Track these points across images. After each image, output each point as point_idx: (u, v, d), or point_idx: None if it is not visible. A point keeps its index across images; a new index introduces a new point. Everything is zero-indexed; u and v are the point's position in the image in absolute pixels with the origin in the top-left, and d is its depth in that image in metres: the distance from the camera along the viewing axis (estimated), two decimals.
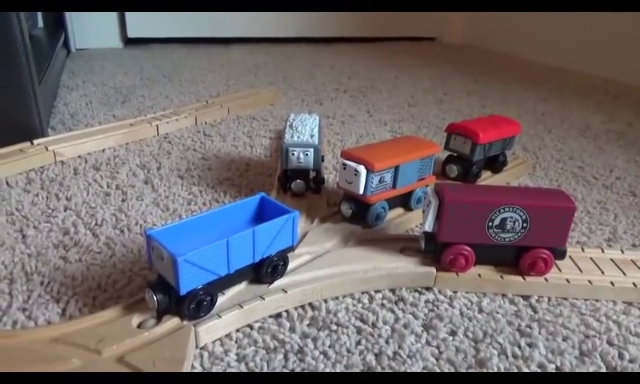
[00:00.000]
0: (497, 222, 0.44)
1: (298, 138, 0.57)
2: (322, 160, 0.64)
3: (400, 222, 0.55)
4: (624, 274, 0.47)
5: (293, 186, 0.58)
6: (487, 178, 0.68)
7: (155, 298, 0.36)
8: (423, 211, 0.46)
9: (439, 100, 1.17)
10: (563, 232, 0.44)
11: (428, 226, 0.45)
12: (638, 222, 0.61)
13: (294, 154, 0.57)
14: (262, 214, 0.45)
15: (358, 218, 0.52)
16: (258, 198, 0.45)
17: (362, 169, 0.49)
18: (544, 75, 1.55)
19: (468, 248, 0.45)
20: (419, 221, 0.57)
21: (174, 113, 0.88)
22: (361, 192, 0.50)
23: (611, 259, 0.49)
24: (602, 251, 0.50)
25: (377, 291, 0.45)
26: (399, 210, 0.57)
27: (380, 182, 0.51)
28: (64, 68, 1.26)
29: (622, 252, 0.50)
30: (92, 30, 1.57)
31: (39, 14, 1.37)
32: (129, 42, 1.64)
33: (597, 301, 0.45)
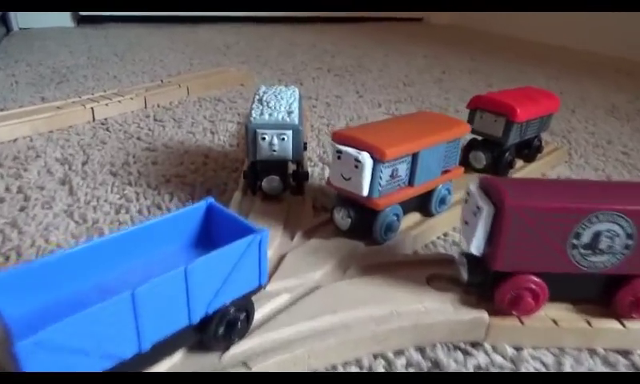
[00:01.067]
0: (586, 238, 0.28)
1: (270, 115, 0.40)
2: (305, 148, 0.47)
3: (418, 234, 0.38)
4: None
5: (264, 184, 0.41)
6: (520, 169, 0.52)
7: None
8: (465, 223, 0.30)
9: (438, 79, 1.01)
10: None
11: (476, 248, 0.29)
12: None
13: (264, 138, 0.40)
14: (211, 234, 0.28)
15: (359, 231, 0.36)
16: (202, 206, 0.28)
17: (365, 158, 0.33)
18: (545, 53, 1.41)
19: (538, 280, 0.29)
20: (445, 228, 0.41)
21: (118, 93, 0.70)
22: (364, 192, 0.33)
23: None
24: None
25: (397, 353, 0.29)
26: (415, 216, 0.40)
27: (392, 176, 0.35)
28: None
29: None
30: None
31: None
32: (82, 20, 1.44)
33: None
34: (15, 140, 0.56)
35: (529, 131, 0.50)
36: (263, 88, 0.48)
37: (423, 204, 0.40)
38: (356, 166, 0.33)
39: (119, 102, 0.67)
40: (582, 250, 0.28)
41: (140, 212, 0.42)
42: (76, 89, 0.78)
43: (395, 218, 0.36)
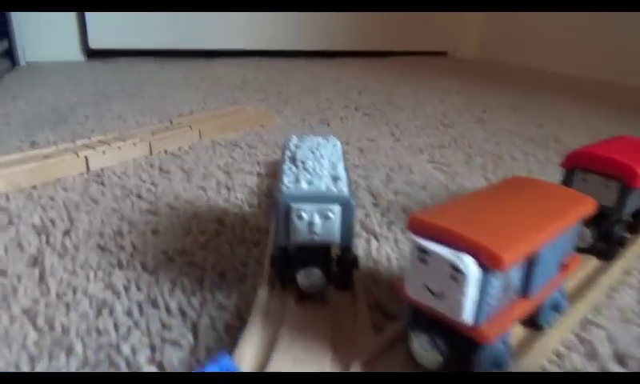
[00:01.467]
0: None
1: (310, 183, 0.29)
2: None
3: (530, 365, 0.26)
4: None
5: (301, 279, 0.30)
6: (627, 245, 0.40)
7: None
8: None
9: (479, 119, 0.90)
10: None
11: None
12: None
13: (301, 216, 0.28)
14: None
15: (453, 367, 0.24)
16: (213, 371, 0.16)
17: (470, 267, 0.21)
18: (590, 89, 1.30)
19: None
20: (555, 344, 0.29)
21: (119, 138, 0.60)
22: (467, 318, 0.22)
23: None
24: None
25: None
26: (516, 330, 0.28)
27: (504, 290, 0.23)
28: None
29: None
30: (47, 40, 1.30)
31: None
32: (92, 54, 1.37)
33: None
34: None
35: None
36: (295, 140, 0.37)
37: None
38: (453, 278, 0.21)
39: (119, 148, 0.57)
40: None
41: (129, 313, 0.31)
42: (74, 131, 0.68)
43: (505, 349, 0.24)
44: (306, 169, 0.31)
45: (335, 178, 0.30)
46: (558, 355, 0.28)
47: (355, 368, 0.24)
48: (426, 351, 0.23)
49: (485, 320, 0.22)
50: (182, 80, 1.10)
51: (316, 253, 0.30)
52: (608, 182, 0.35)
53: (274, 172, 0.56)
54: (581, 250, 0.37)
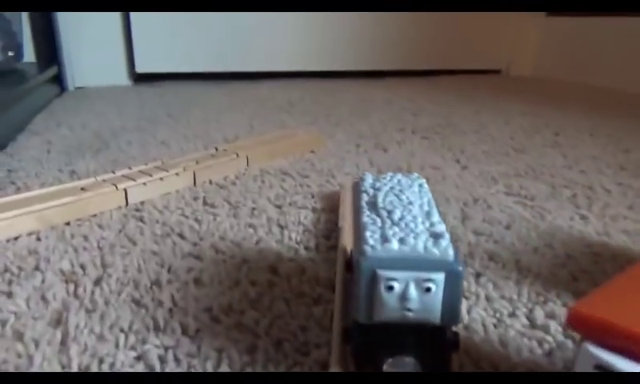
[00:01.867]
0: None
1: (402, 242, 0.22)
2: None
3: None
4: None
5: (388, 368, 0.22)
6: None
7: None
8: None
9: (554, 143, 0.80)
10: None
11: None
12: None
13: (392, 287, 0.21)
14: None
15: None
16: None
17: None
18: None
19: None
20: None
21: (161, 167, 0.55)
22: None
23: None
24: None
25: None
26: None
27: None
28: (45, 108, 0.98)
29: None
30: (95, 65, 1.30)
31: (28, 45, 1.11)
32: (138, 78, 1.37)
33: None
34: (17, 238, 0.41)
35: None
36: (370, 178, 0.30)
37: None
38: None
39: (161, 179, 0.52)
40: None
41: None
42: (115, 158, 0.64)
43: None
44: (392, 220, 0.24)
45: (436, 236, 0.22)
46: None
47: None
48: None
49: None
50: (227, 103, 1.06)
51: (409, 334, 0.22)
52: None
53: (331, 207, 0.49)
54: None
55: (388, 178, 0.30)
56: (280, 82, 1.42)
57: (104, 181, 0.51)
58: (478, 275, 0.37)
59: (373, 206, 0.26)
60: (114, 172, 0.53)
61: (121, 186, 0.49)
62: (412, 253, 0.21)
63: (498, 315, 0.32)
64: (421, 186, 0.29)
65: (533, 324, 0.31)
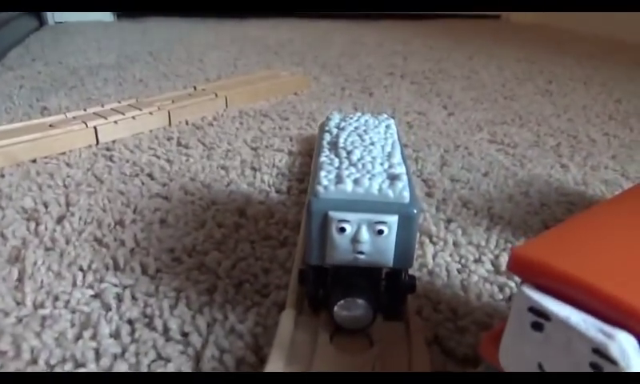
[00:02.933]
0: None
1: (357, 183, 0.21)
2: None
3: None
4: None
5: (339, 311, 0.22)
6: None
7: None
8: None
9: (545, 91, 0.78)
10: None
11: None
12: None
13: (344, 229, 0.20)
14: None
15: None
16: None
17: (626, 352, 0.12)
18: None
19: None
20: None
21: (135, 106, 0.53)
22: None
23: None
24: None
25: None
26: None
27: None
28: (21, 43, 0.94)
29: None
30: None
31: None
32: (122, 13, 1.31)
33: None
34: None
35: None
36: (336, 118, 0.29)
37: None
38: (594, 366, 0.13)
39: (133, 118, 0.50)
40: None
41: (116, 336, 0.24)
42: (89, 96, 0.62)
43: None
44: (352, 162, 0.23)
45: (392, 177, 0.21)
46: None
47: None
48: None
49: None
50: (212, 41, 1.02)
51: (362, 277, 0.22)
52: None
53: (308, 150, 0.48)
54: None
55: (354, 119, 0.28)
56: (271, 21, 1.36)
57: (74, 118, 0.49)
58: (448, 221, 0.36)
59: (333, 145, 0.25)
60: (85, 109, 0.51)
61: (91, 124, 0.47)
62: (365, 194, 0.20)
63: (463, 261, 0.31)
64: (388, 127, 0.28)
65: (497, 270, 0.31)
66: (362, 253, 0.21)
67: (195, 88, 0.62)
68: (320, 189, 0.21)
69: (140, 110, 0.52)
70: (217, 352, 0.23)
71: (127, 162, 0.44)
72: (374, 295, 0.22)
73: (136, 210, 0.36)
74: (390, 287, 0.23)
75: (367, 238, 0.20)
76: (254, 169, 0.44)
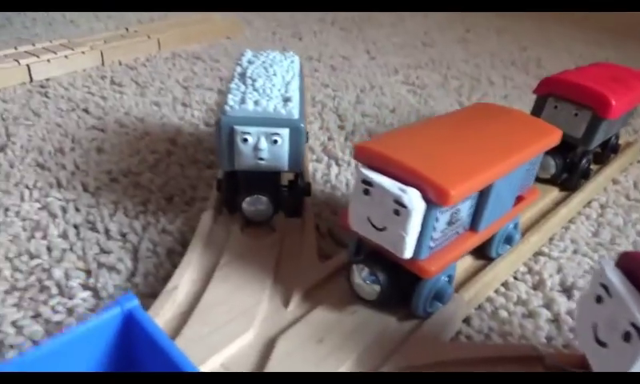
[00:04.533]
0: None
1: (257, 103, 0.26)
2: (307, 139, 0.34)
3: (473, 297, 0.26)
4: None
5: (246, 206, 0.28)
6: (591, 177, 0.39)
7: None
8: (599, 342, 0.17)
9: (462, 39, 0.85)
10: None
11: None
12: None
13: (246, 139, 0.26)
14: (132, 352, 0.15)
15: (393, 299, 0.23)
16: (116, 316, 0.15)
17: (414, 201, 0.19)
18: (580, 13, 1.24)
19: None
20: (505, 275, 0.28)
21: (66, 45, 0.55)
22: (408, 254, 0.20)
23: None
24: None
25: None
26: (467, 261, 0.27)
27: (449, 223, 0.22)
28: None
29: None
30: None
31: None
32: None
33: None
34: None
35: (614, 128, 0.37)
36: (249, 55, 0.34)
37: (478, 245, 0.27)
38: (396, 212, 0.20)
39: (66, 57, 0.52)
40: None
41: (64, 236, 0.29)
42: (19, 36, 0.62)
43: (447, 282, 0.23)
44: (255, 87, 0.28)
45: (286, 99, 0.27)
46: (506, 286, 0.28)
47: (296, 301, 0.23)
48: (365, 283, 0.22)
49: (427, 255, 0.21)
50: None
51: (263, 179, 0.28)
52: (579, 110, 0.34)
53: None
54: (543, 181, 0.36)
55: (264, 55, 0.34)
56: None
57: (5, 56, 0.50)
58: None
59: (242, 76, 0.30)
60: (15, 48, 0.53)
61: (23, 62, 0.49)
62: (263, 112, 0.26)
63: None
64: (292, 62, 0.33)
65: None
66: (262, 159, 0.26)
67: (127, 29, 0.63)
68: (227, 108, 0.26)
69: (72, 49, 0.54)
70: (151, 245, 0.29)
71: (62, 98, 0.47)
72: (274, 194, 0.28)
73: (74, 139, 0.39)
74: (290, 191, 0.29)
75: (266, 146, 0.26)
76: (184, 105, 0.48)
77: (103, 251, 0.28)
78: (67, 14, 0.74)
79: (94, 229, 0.30)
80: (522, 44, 0.86)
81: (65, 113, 0.44)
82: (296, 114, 0.26)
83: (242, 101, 0.27)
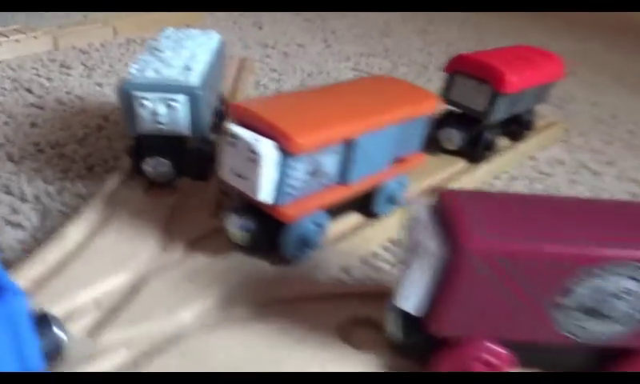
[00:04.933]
0: (583, 297, 0.17)
1: (156, 71, 0.28)
2: (221, 117, 0.36)
3: (352, 248, 0.28)
4: None
5: (147, 167, 0.30)
6: (503, 151, 0.41)
7: None
8: (402, 265, 0.19)
9: (422, 30, 0.88)
10: None
11: (409, 303, 0.18)
12: None
13: (144, 104, 0.28)
14: None
15: (264, 244, 0.25)
16: None
17: (264, 149, 0.21)
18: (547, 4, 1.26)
19: (499, 350, 0.19)
20: (391, 232, 0.30)
21: (20, 30, 0.56)
22: (264, 198, 0.22)
23: None
24: None
25: None
26: (352, 218, 0.29)
27: (313, 174, 0.24)
28: None
29: None
30: None
31: None
32: None
33: None
34: None
35: (521, 104, 0.39)
36: (169, 31, 0.36)
37: (363, 202, 0.29)
38: (252, 160, 0.22)
39: (17, 41, 0.54)
40: (576, 315, 0.18)
41: None
42: None
43: (316, 229, 0.25)
44: (160, 58, 0.30)
45: (187, 68, 0.29)
46: (392, 242, 0.30)
47: (179, 249, 0.25)
48: (238, 231, 0.24)
49: (288, 201, 0.23)
50: None
51: (166, 143, 0.30)
52: (480, 85, 0.36)
53: None
54: (451, 152, 0.38)
55: (184, 32, 0.35)
56: None
57: None
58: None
59: (153, 49, 0.32)
60: None
61: None
62: (161, 80, 0.28)
63: None
64: (210, 39, 0.35)
65: None
66: (161, 123, 0.28)
67: (85, 16, 0.65)
68: (128, 76, 0.28)
69: (24, 34, 0.55)
70: (63, 208, 0.31)
71: (8, 79, 0.48)
72: (177, 157, 0.30)
73: (10, 115, 0.41)
74: (198, 156, 0.31)
75: (164, 112, 0.28)
76: None
77: (14, 212, 0.30)
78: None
79: (8, 192, 0.32)
80: (481, 36, 0.88)
81: (7, 92, 0.45)
82: (195, 82, 0.28)
83: (143, 69, 0.28)
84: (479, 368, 0.19)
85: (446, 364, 0.19)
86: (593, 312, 0.18)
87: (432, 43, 0.79)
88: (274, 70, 0.59)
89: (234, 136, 0.22)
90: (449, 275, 0.17)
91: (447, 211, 0.18)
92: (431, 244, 0.17)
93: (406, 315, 0.19)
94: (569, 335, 0.18)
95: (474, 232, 0.17)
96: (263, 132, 0.22)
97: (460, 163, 0.38)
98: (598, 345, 0.19)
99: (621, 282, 0.17)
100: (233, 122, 0.23)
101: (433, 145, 0.39)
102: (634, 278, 0.17)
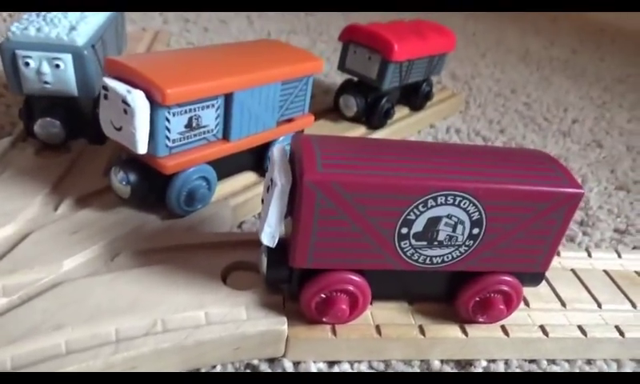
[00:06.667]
0: (418, 226, 0.20)
1: (39, 30, 0.28)
2: None
3: (241, 203, 0.29)
4: (633, 304, 0.26)
5: (37, 128, 0.30)
6: (403, 119, 0.44)
7: None
8: (262, 201, 0.21)
9: (346, 13, 0.90)
10: (551, 244, 0.21)
11: (267, 236, 0.20)
12: (615, 191, 0.41)
13: (28, 63, 0.28)
14: None
15: (147, 197, 0.26)
16: None
17: (136, 99, 0.22)
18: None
19: (356, 279, 0.21)
20: None
21: None
22: (140, 149, 0.23)
23: (605, 272, 0.28)
24: (589, 255, 0.29)
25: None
26: (247, 177, 0.31)
27: (190, 127, 0.25)
28: None
29: (619, 255, 0.29)
30: None
31: None
32: None
33: (591, 361, 0.24)
34: None
35: (413, 74, 0.42)
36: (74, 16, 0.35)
37: (254, 161, 0.31)
38: (125, 111, 0.22)
39: None
40: (415, 242, 0.20)
41: None
42: None
43: (202, 184, 0.26)
44: (45, 19, 0.30)
45: (72, 29, 0.29)
46: None
47: (66, 205, 0.26)
48: (121, 184, 0.25)
49: (166, 153, 0.24)
50: None
51: (56, 104, 0.30)
52: (371, 54, 0.38)
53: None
54: (351, 119, 0.40)
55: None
56: None
57: None
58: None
59: (44, 16, 0.31)
60: None
61: None
62: (45, 38, 0.28)
63: None
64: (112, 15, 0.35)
65: None
66: (47, 82, 0.28)
67: None
68: (9, 34, 0.28)
69: None
70: None
71: None
72: (68, 119, 0.30)
73: None
74: (91, 119, 0.31)
75: (48, 71, 0.28)
76: None
77: None
78: None
79: None
80: (400, 17, 0.91)
81: None
82: (80, 42, 0.28)
83: (26, 28, 0.28)
84: (339, 299, 0.21)
85: (308, 298, 0.21)
86: (427, 239, 0.20)
87: (353, 20, 0.81)
88: (191, 44, 0.59)
89: (107, 88, 0.23)
90: (298, 208, 0.19)
91: (298, 151, 0.20)
92: (281, 179, 0.19)
93: (271, 252, 0.21)
94: (412, 263, 0.21)
95: (315, 166, 0.19)
96: (136, 84, 0.23)
97: (360, 129, 0.40)
98: (438, 270, 0.21)
99: (447, 210, 0.20)
100: (108, 75, 0.24)
101: (334, 112, 0.41)
102: (457, 205, 0.20)
